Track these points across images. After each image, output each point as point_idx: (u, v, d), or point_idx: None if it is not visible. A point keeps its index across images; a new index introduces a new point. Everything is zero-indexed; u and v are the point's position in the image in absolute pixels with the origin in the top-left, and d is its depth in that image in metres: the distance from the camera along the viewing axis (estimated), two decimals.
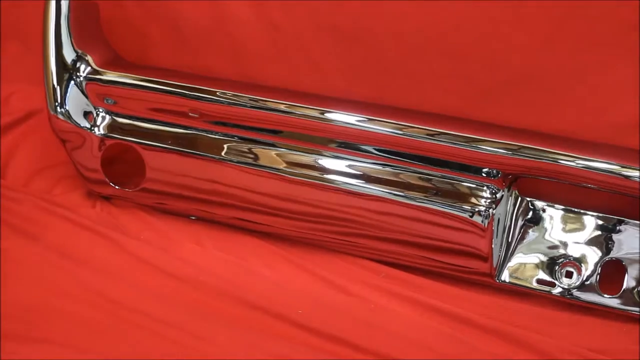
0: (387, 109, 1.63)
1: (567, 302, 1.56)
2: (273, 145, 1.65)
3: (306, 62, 1.76)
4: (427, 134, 1.54)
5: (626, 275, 1.54)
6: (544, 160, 1.49)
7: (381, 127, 1.57)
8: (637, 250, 1.56)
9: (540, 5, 1.59)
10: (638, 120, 1.59)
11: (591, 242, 1.58)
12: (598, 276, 1.55)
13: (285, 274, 1.61)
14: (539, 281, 1.57)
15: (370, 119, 1.58)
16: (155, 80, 1.68)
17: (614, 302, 1.54)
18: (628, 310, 1.53)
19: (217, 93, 1.64)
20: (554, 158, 1.49)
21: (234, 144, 1.66)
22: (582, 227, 1.59)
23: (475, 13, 1.62)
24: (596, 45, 1.59)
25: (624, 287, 1.54)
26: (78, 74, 1.71)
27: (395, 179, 1.59)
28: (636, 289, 1.53)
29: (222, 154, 1.66)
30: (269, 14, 1.74)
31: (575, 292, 1.55)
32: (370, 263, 1.64)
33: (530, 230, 1.61)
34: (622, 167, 1.47)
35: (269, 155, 1.65)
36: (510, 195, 1.57)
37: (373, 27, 1.69)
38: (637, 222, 1.57)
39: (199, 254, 1.65)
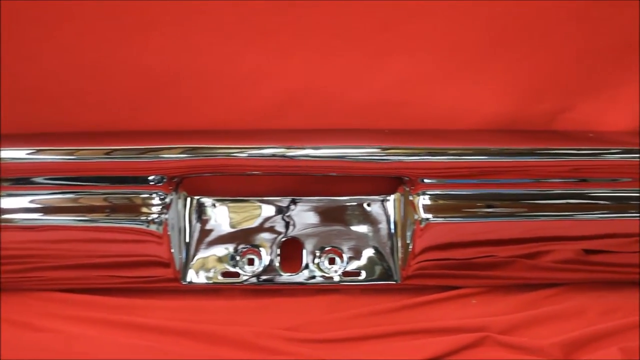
0: (50, 136, 1.62)
1: (254, 288, 1.60)
2: None
3: None
4: (95, 155, 1.54)
5: (304, 250, 1.61)
6: (195, 158, 1.52)
7: (50, 156, 1.55)
8: (309, 225, 1.63)
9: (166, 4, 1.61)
10: (284, 100, 1.66)
11: (266, 226, 1.63)
12: (278, 257, 1.61)
13: None
14: (224, 274, 1.61)
15: (39, 150, 1.55)
16: None
17: (297, 278, 1.59)
18: (312, 283, 1.59)
19: None
20: (206, 153, 1.52)
21: None
22: (255, 213, 1.65)
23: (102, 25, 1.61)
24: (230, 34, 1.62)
25: (304, 262, 1.60)
26: None
27: (73, 204, 1.57)
28: (314, 261, 1.60)
29: None
30: None
31: (261, 277, 1.60)
32: (60, 294, 1.60)
33: (205, 228, 1.64)
34: (287, 148, 1.53)
35: None
36: (179, 198, 1.60)
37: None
38: (308, 198, 1.64)
39: None
